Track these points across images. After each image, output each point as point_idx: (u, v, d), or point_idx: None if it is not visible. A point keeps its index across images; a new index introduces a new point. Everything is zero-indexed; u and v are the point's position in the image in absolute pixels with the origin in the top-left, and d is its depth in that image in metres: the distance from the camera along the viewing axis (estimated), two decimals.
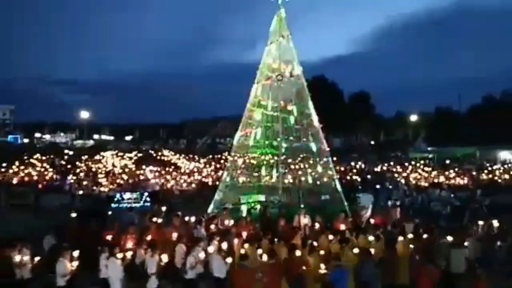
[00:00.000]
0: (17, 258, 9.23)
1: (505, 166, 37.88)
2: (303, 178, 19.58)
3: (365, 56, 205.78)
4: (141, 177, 29.79)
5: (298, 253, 9.70)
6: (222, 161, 35.62)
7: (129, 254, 10.22)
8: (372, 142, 75.44)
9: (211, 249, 10.02)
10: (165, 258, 9.39)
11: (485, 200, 21.35)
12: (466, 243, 11.62)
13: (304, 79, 18.06)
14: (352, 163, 38.56)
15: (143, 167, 33.53)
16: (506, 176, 31.05)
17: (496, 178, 30.61)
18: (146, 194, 22.72)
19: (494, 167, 36.03)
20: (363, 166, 37.89)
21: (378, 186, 24.52)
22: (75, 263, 9.12)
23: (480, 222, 13.75)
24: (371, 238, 11.05)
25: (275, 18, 17.83)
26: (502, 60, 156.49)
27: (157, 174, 30.88)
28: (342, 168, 32.93)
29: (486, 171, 33.16)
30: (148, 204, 21.00)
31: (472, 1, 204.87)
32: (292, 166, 21.35)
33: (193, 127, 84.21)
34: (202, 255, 9.69)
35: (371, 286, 9.28)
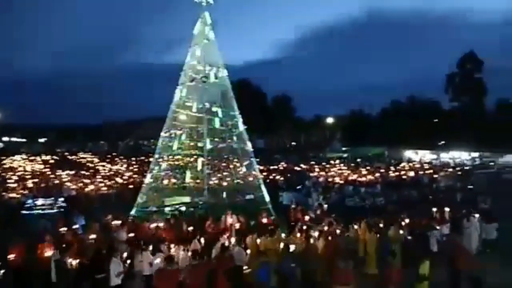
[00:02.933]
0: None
1: (410, 164, 41.87)
2: (228, 179, 19.91)
3: (287, 61, 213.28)
4: (56, 182, 27.96)
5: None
6: (145, 163, 34.66)
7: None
8: (294, 143, 78.45)
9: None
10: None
11: (392, 195, 23.47)
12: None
13: (229, 81, 18.45)
14: (275, 164, 39.86)
15: (59, 171, 31.47)
16: (411, 173, 34.25)
17: (402, 175, 33.61)
18: (61, 199, 21.51)
19: (401, 165, 39.64)
20: (285, 165, 39.34)
21: (299, 187, 25.64)
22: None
23: None
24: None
25: (199, 20, 17.96)
26: (407, 67, 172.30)
27: (74, 178, 29.19)
28: (265, 168, 33.92)
29: (393, 169, 36.28)
30: (63, 210, 19.90)
31: (382, 13, 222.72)
32: (217, 167, 21.58)
33: (114, 129, 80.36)
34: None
35: (290, 280, 9.81)
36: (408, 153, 57.25)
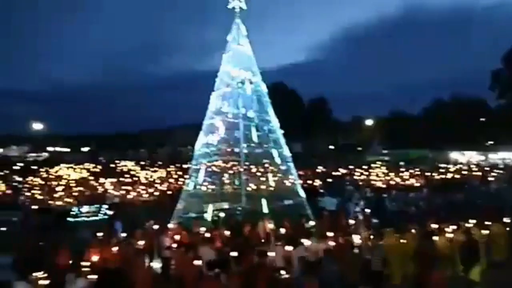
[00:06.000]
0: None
1: (457, 166, 39.87)
2: (265, 184, 19.70)
3: (321, 63, 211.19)
4: (100, 189, 28.89)
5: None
6: (184, 170, 35.13)
7: None
8: (331, 146, 77.18)
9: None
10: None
11: (438, 199, 22.37)
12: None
13: (264, 85, 18.32)
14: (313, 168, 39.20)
15: (102, 179, 32.52)
16: (457, 176, 32.59)
17: (448, 178, 32.05)
18: (105, 206, 22.08)
19: (447, 167, 37.82)
20: (323, 170, 38.63)
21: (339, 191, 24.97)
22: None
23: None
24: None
25: (233, 27, 18.00)
26: (449, 64, 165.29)
27: (116, 185, 30.04)
28: (303, 173, 33.37)
29: (438, 172, 34.68)
30: (107, 217, 20.44)
31: (420, 10, 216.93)
32: (255, 173, 21.44)
33: (152, 137, 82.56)
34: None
35: (332, 285, 9.43)
36: (454, 155, 54.76)
